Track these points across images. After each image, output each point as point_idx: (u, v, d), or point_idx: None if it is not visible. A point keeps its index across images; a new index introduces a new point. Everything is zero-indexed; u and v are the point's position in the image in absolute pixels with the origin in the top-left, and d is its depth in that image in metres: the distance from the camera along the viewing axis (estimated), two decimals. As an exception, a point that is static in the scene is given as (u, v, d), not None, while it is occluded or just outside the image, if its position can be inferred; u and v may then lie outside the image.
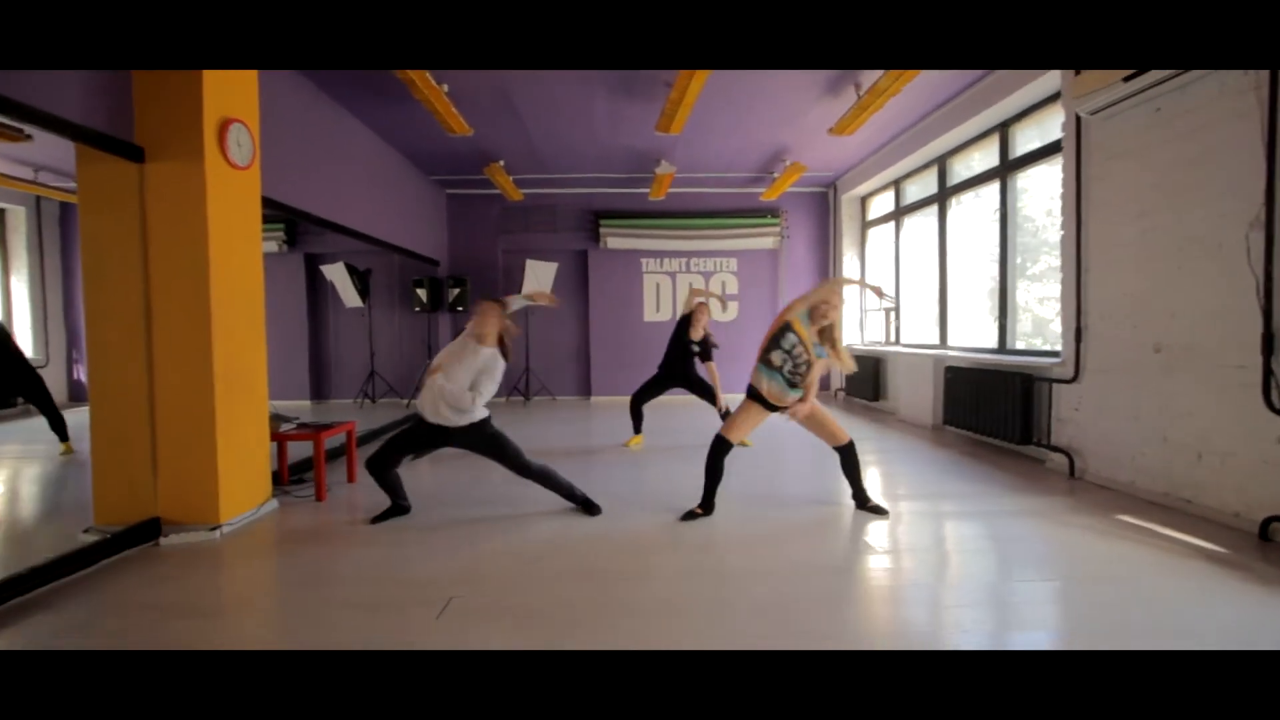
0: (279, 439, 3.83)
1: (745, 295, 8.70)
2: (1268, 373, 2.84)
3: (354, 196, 5.64)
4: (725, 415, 5.14)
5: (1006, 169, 5.17)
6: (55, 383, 7.48)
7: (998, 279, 5.30)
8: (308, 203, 4.70)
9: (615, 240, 8.47)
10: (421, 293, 7.98)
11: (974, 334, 5.99)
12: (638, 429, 5.35)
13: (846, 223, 8.32)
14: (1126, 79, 3.40)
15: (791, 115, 5.73)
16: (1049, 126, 4.75)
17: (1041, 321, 5.26)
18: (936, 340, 6.43)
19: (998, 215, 5.27)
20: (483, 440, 3.30)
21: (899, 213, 7.25)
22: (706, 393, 5.17)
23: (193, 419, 3.13)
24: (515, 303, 3.53)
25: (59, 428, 5.14)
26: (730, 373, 6.92)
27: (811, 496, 3.74)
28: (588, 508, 3.40)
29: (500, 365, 3.23)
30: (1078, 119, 3.96)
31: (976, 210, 5.98)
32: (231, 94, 3.28)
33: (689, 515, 3.30)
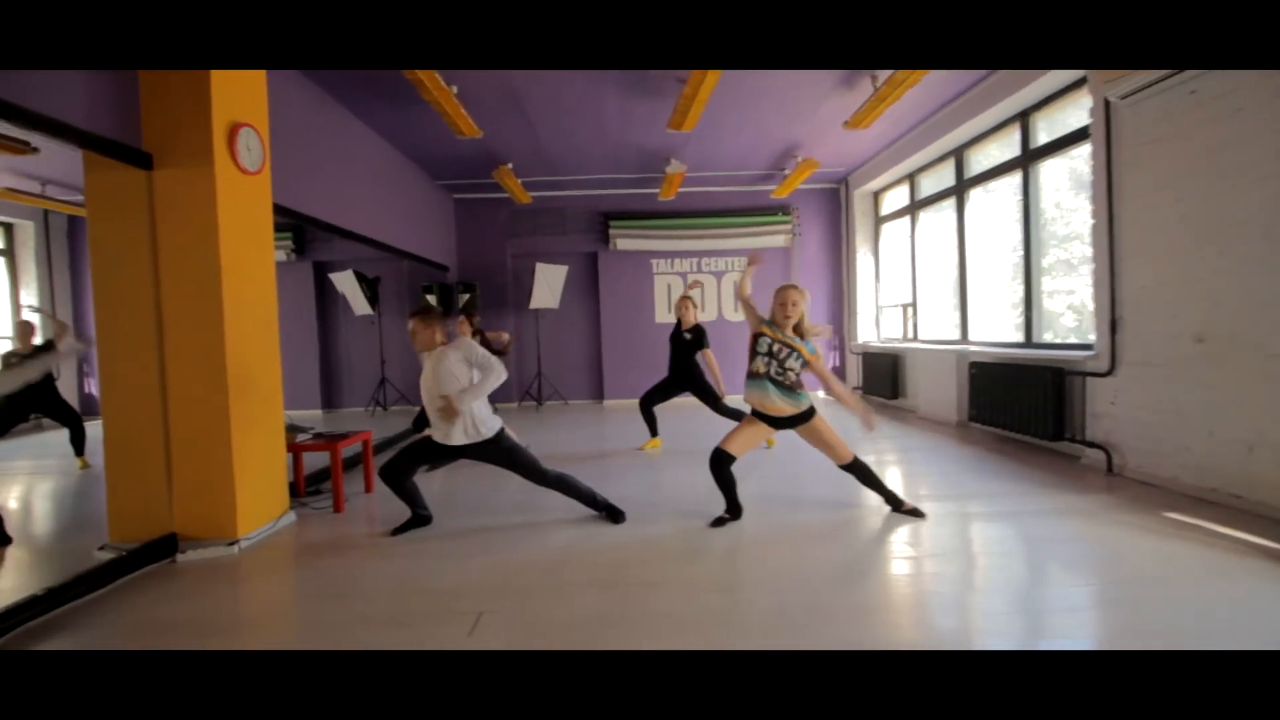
0: (294, 450, 3.75)
1: (758, 294, 8.52)
2: (1324, 361, 2.72)
3: (363, 202, 5.57)
4: (718, 402, 5.03)
5: (1029, 158, 5.05)
6: (67, 396, 7.43)
7: (1022, 271, 5.17)
8: (317, 209, 4.62)
9: (625, 241, 8.38)
10: (431, 298, 7.90)
11: (996, 328, 5.86)
12: (654, 432, 5.25)
13: (859, 218, 8.20)
14: (1161, 60, 3.28)
15: (805, 110, 5.63)
16: (1072, 114, 4.63)
17: (1050, 315, 5.15)
18: (957, 335, 6.30)
19: (1020, 206, 5.14)
20: (498, 454, 3.22)
21: (914, 207, 7.13)
22: (711, 398, 5.04)
23: (208, 431, 3.05)
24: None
25: (78, 442, 5.09)
26: (741, 372, 6.78)
27: (838, 498, 3.63)
28: (612, 515, 3.30)
29: (466, 344, 3.15)
30: (1107, 104, 3.84)
31: (995, 202, 5.86)
32: (240, 98, 3.21)
33: (718, 521, 3.20)
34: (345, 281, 7.77)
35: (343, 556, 2.97)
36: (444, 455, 3.24)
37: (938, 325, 6.95)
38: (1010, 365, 4.85)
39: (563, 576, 2.60)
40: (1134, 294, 3.75)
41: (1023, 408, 4.64)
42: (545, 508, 3.56)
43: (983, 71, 4.99)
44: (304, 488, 4.01)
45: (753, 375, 3.18)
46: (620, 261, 8.52)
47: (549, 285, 8.01)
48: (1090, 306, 5.09)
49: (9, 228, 7.52)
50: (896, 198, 7.68)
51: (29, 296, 7.59)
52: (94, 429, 6.04)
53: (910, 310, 7.32)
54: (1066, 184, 5.06)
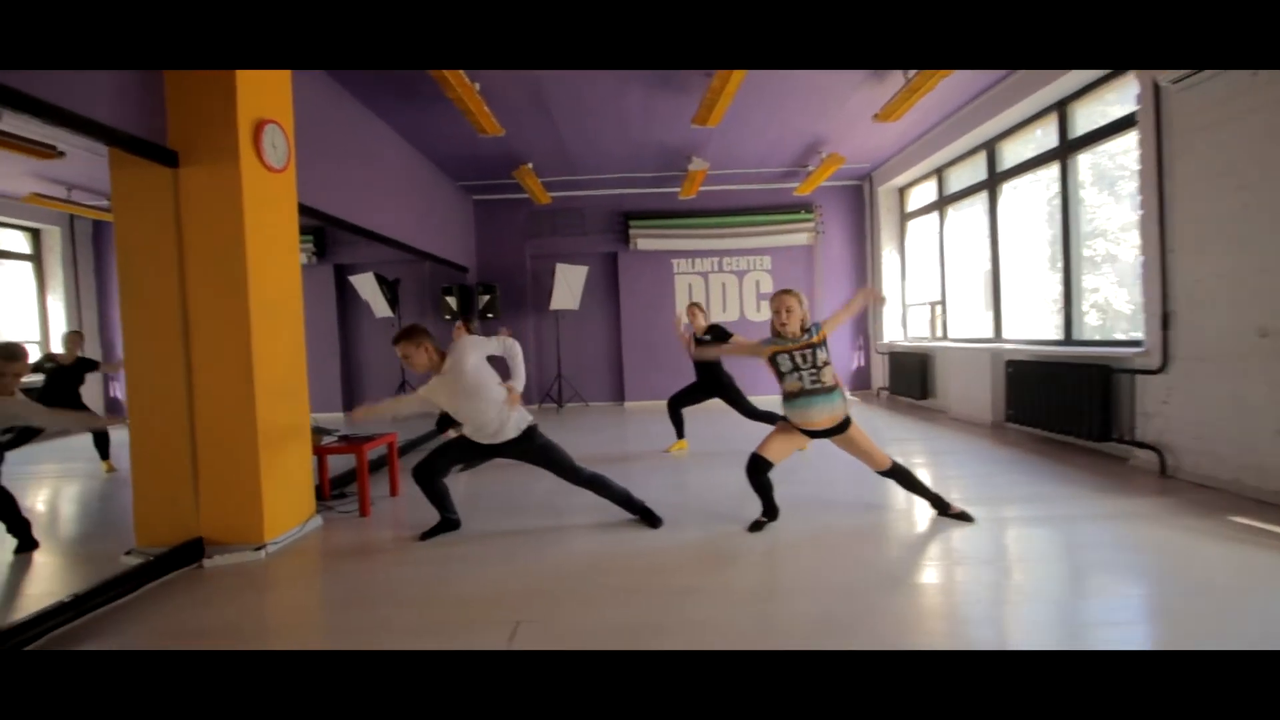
0: (320, 452, 3.69)
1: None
2: None
3: (386, 203, 5.53)
4: (747, 406, 4.91)
5: (1067, 149, 4.88)
6: (92, 401, 7.48)
7: (1060, 266, 5.00)
8: (341, 209, 4.58)
9: (645, 241, 8.28)
10: (451, 300, 7.86)
11: (1032, 326, 5.68)
12: (680, 434, 5.14)
13: (884, 215, 8.04)
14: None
15: (832, 103, 5.50)
16: (1114, 103, 4.47)
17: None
18: (990, 333, 6.12)
19: (1059, 198, 4.98)
20: (533, 450, 3.13)
21: (942, 202, 6.97)
22: (740, 403, 4.92)
23: (234, 434, 2.99)
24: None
25: (102, 445, 5.08)
26: (762, 375, 6.64)
27: (873, 501, 3.50)
28: (648, 519, 3.19)
29: (471, 342, 3.05)
30: (1156, 89, 3.68)
31: (1029, 196, 5.69)
32: (265, 94, 3.15)
33: (756, 525, 3.08)
34: (365, 284, 7.75)
35: (371, 562, 2.89)
36: (479, 454, 3.16)
37: (968, 323, 6.77)
38: (1051, 363, 4.68)
39: (598, 583, 2.50)
40: (1188, 287, 3.58)
41: (1065, 407, 4.47)
42: (573, 510, 3.46)
43: (1019, 60, 4.83)
44: (329, 491, 3.95)
45: (790, 396, 3.05)
46: (640, 261, 8.42)
47: (569, 286, 7.94)
48: (1115, 305, 4.93)
49: (36, 233, 7.60)
50: (923, 193, 7.51)
51: (56, 301, 7.66)
52: (117, 433, 6.05)
53: (939, 308, 7.14)
54: (1089, 180, 4.91)
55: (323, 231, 8.08)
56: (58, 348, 5.66)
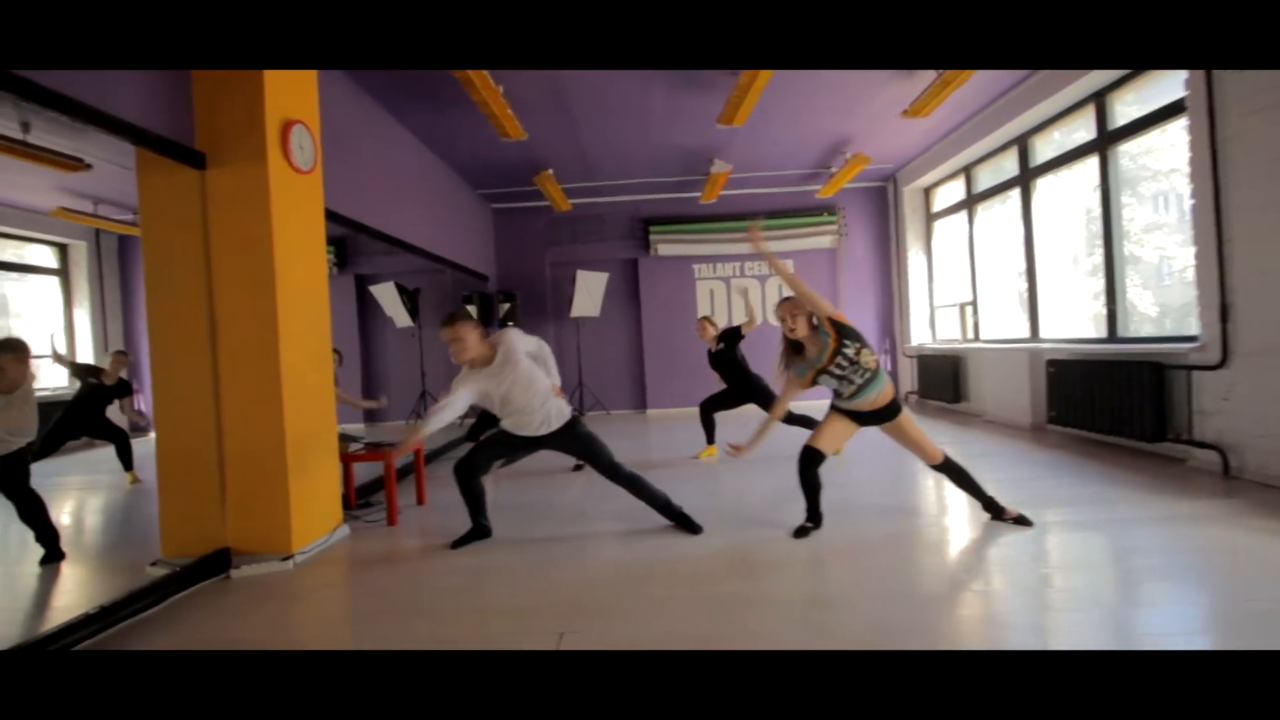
0: (346, 460, 3.61)
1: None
2: None
3: (407, 210, 5.50)
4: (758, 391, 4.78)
5: (1106, 141, 4.73)
6: (117, 414, 7.51)
7: (1103, 262, 4.82)
8: (364, 215, 4.53)
9: (666, 247, 8.20)
10: (472, 309, 7.81)
11: (1071, 324, 5.50)
12: (710, 439, 5.01)
13: (909, 216, 7.89)
14: None
15: (860, 99, 5.38)
16: (1152, 90, 4.31)
17: (1100, 318, 4.84)
18: (1026, 333, 5.94)
19: (1099, 192, 4.81)
20: (575, 440, 3.04)
21: (971, 201, 6.81)
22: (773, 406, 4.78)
23: (262, 440, 2.92)
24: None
25: (125, 456, 5.06)
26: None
27: (906, 505, 3.37)
28: (687, 525, 3.07)
29: (516, 337, 2.97)
30: (1208, 72, 3.53)
31: (1065, 191, 5.53)
32: (292, 94, 3.11)
33: (800, 531, 2.94)
34: (386, 294, 7.73)
35: (402, 572, 2.79)
36: (521, 447, 3.07)
37: (1001, 324, 6.58)
38: (1096, 362, 4.49)
39: (641, 592, 2.37)
40: (1247, 278, 3.41)
41: (1114, 407, 4.28)
42: (605, 517, 3.35)
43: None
44: (355, 500, 3.87)
45: (839, 397, 2.93)
46: (661, 267, 8.33)
47: (589, 293, 7.86)
48: (1141, 307, 4.76)
49: (63, 248, 7.68)
50: (950, 193, 7.36)
51: (82, 315, 7.72)
52: (141, 445, 6.04)
53: (970, 309, 6.96)
54: (1094, 190, 4.77)
55: (344, 241, 8.08)
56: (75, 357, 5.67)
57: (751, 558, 2.69)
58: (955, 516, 3.14)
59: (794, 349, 2.94)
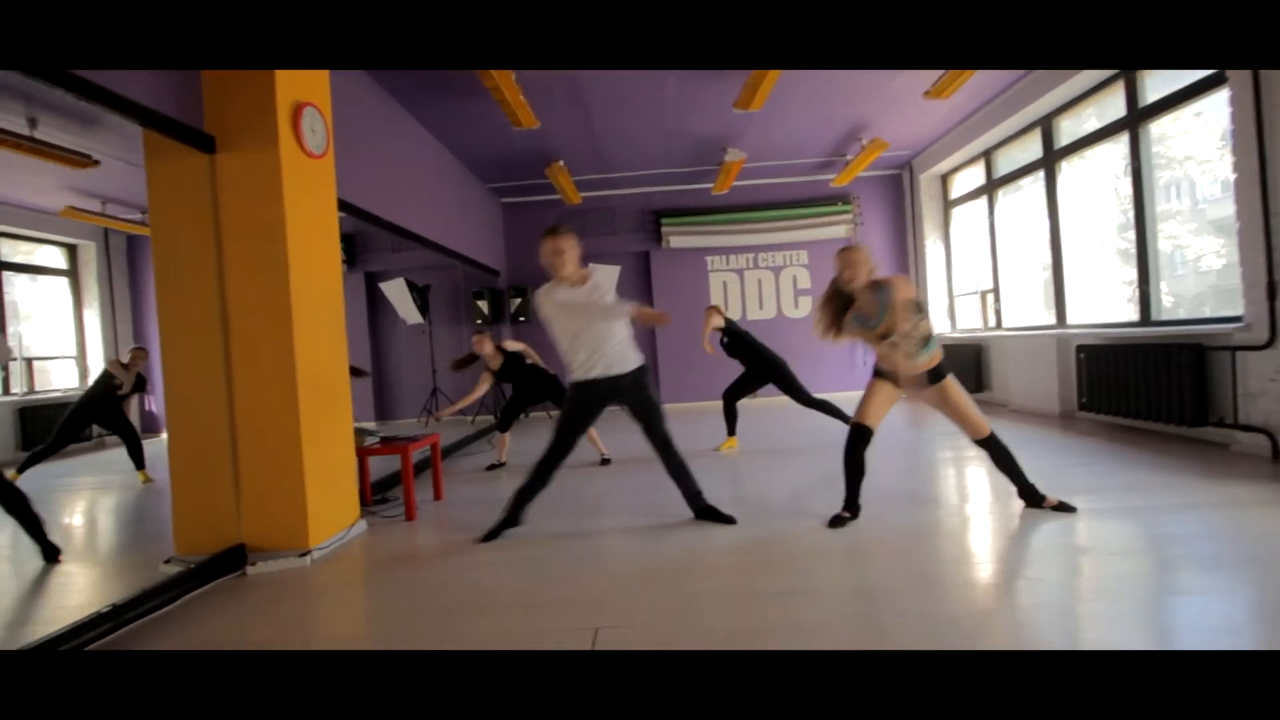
0: (362, 454, 3.52)
1: (819, 288, 8.13)
2: None
3: (419, 203, 5.40)
4: (803, 393, 4.68)
5: (1137, 118, 4.57)
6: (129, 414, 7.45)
7: (1135, 243, 4.67)
8: (376, 207, 4.44)
9: (678, 239, 8.08)
10: (483, 304, 7.74)
11: (1101, 309, 5.35)
12: (731, 431, 4.90)
13: (926, 204, 7.74)
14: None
15: (880, 79, 5.24)
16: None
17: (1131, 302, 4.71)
18: (1052, 319, 5.78)
19: (1129, 171, 4.66)
20: (643, 396, 2.93)
21: (991, 186, 6.66)
22: (795, 389, 4.70)
23: (277, 435, 2.82)
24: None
25: (137, 455, 4.99)
26: (812, 373, 6.33)
27: (927, 495, 3.25)
28: (717, 518, 2.95)
29: (603, 273, 2.87)
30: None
31: (1092, 173, 5.38)
32: (303, 75, 3.01)
33: (836, 521, 2.82)
34: (395, 290, 7.65)
35: (423, 567, 2.69)
36: (595, 405, 2.94)
37: (1024, 311, 6.43)
38: (1130, 346, 4.35)
39: (684, 586, 2.26)
40: (1297, 253, 3.26)
41: (1151, 392, 4.14)
42: (631, 512, 3.25)
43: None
44: (370, 496, 3.77)
45: (883, 364, 2.81)
46: (673, 260, 8.21)
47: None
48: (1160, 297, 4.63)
49: (72, 249, 7.63)
50: (969, 179, 7.21)
51: (92, 315, 7.68)
52: (155, 446, 5.98)
53: (992, 297, 6.81)
54: (1121, 171, 4.63)
55: (352, 239, 8.01)
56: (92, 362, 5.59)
57: (790, 549, 2.57)
58: (981, 504, 3.01)
59: (842, 300, 2.82)
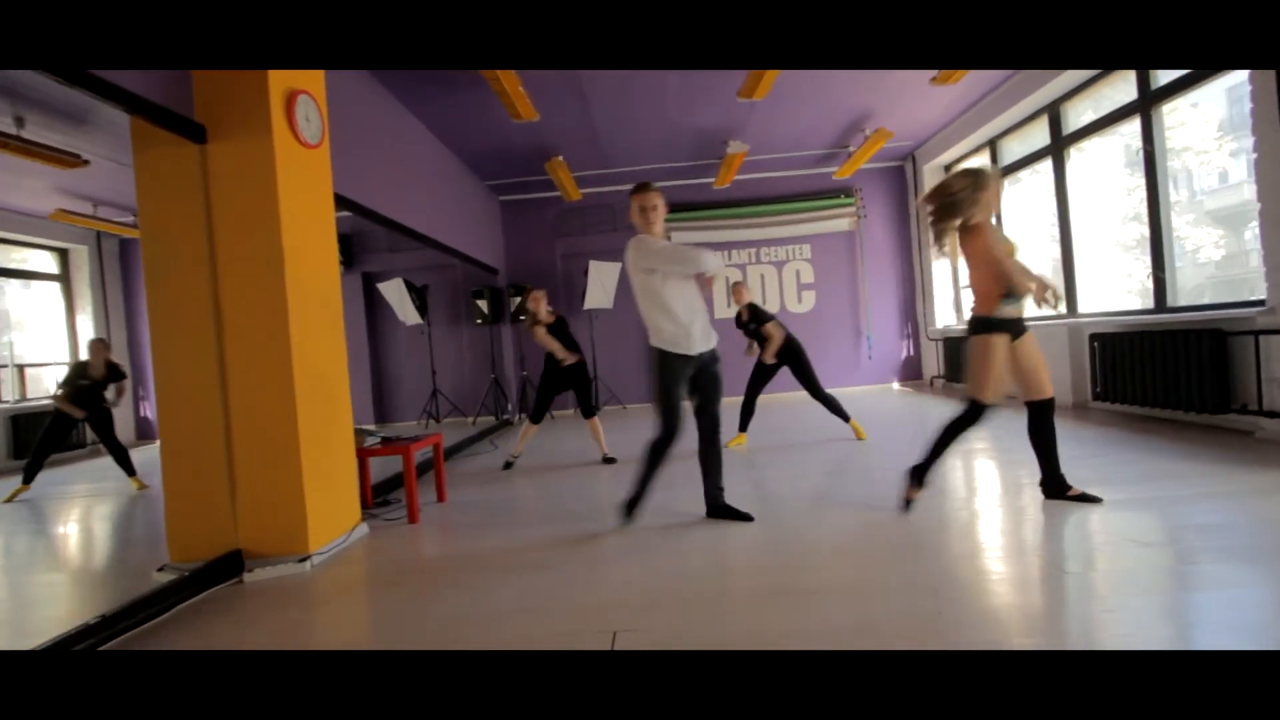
0: (363, 455, 3.41)
1: (822, 282, 8.08)
2: None
3: (417, 199, 5.29)
4: (818, 386, 4.59)
5: (1149, 101, 4.48)
6: (123, 421, 7.34)
7: (1148, 228, 4.58)
8: (374, 202, 4.33)
9: (679, 235, 7.97)
10: (482, 304, 7.63)
11: (1112, 297, 5.26)
12: (743, 427, 4.81)
13: (930, 195, 7.63)
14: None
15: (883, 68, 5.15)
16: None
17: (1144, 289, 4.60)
18: (1064, 309, 5.68)
19: (1142, 155, 4.57)
20: (716, 377, 2.83)
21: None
22: (812, 376, 4.61)
23: (274, 435, 2.71)
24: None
25: (124, 462, 4.88)
26: (818, 368, 6.22)
27: (950, 485, 3.12)
28: (735, 516, 2.85)
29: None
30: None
31: (1098, 160, 5.29)
32: (296, 64, 2.90)
33: (908, 500, 2.73)
34: (393, 291, 7.54)
35: (429, 572, 2.58)
36: (684, 379, 2.79)
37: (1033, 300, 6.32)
38: (1146, 334, 4.25)
39: (702, 586, 2.15)
40: (1323, 233, 3.17)
41: (1169, 380, 4.05)
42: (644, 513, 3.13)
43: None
44: (371, 498, 3.66)
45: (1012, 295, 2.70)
46: (675, 256, 8.10)
47: (603, 285, 7.64)
48: (1150, 286, 4.54)
49: (64, 253, 7.51)
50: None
51: (85, 320, 7.55)
52: (149, 452, 5.85)
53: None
54: (1122, 162, 4.55)
55: (350, 239, 7.91)
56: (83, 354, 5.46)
57: (809, 545, 2.47)
58: (994, 498, 2.91)
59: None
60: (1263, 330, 3.49)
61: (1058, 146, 5.54)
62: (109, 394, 4.91)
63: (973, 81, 5.49)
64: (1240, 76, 3.95)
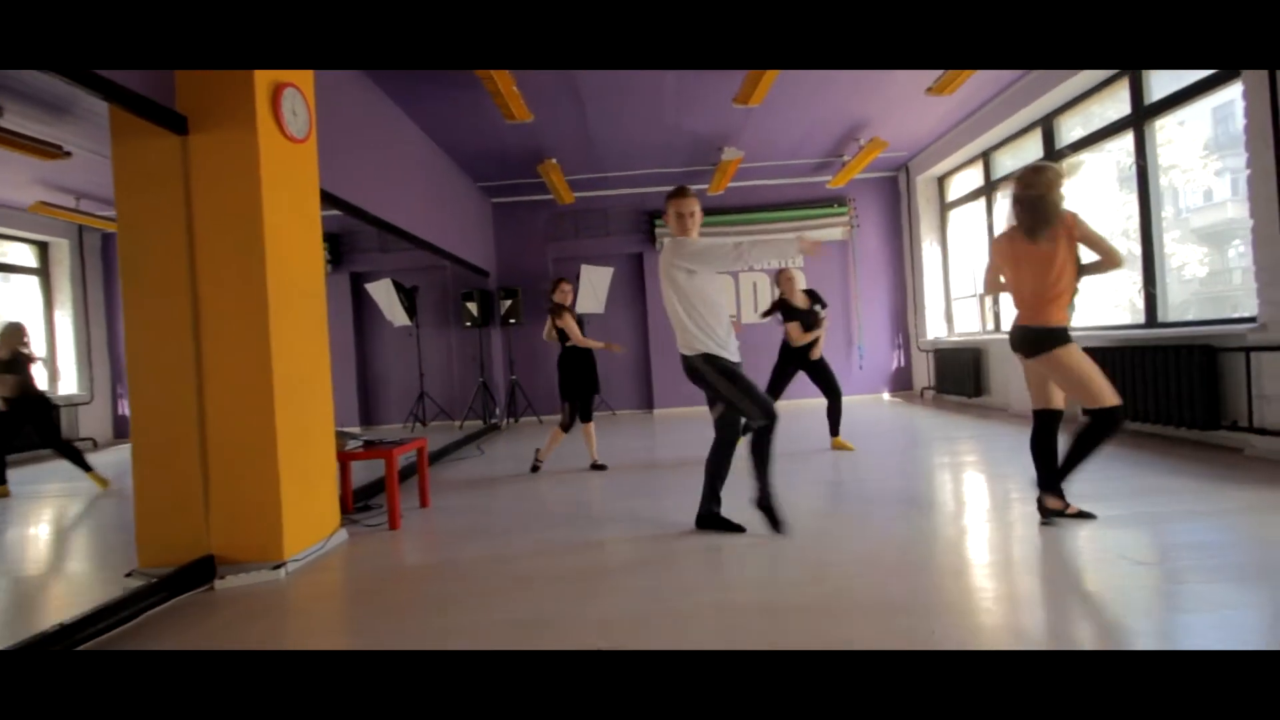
0: (344, 459, 3.32)
1: (820, 285, 8.05)
2: None
3: (407, 198, 5.22)
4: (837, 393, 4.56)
5: (1142, 116, 4.50)
6: (100, 419, 7.18)
7: (1140, 243, 4.59)
8: (363, 201, 4.25)
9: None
10: (472, 306, 7.54)
11: (1101, 311, 5.27)
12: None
13: (923, 206, 7.66)
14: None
15: (880, 76, 5.14)
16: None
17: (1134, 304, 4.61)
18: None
19: (1134, 169, 4.58)
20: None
21: (990, 188, 6.58)
22: (833, 380, 4.57)
23: (250, 436, 2.63)
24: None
25: (76, 459, 4.73)
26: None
27: (919, 497, 3.08)
28: (726, 527, 2.79)
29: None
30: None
31: (1094, 172, 5.31)
32: (283, 57, 2.83)
33: (1050, 514, 2.63)
34: (382, 291, 7.44)
35: (409, 580, 2.50)
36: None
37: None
38: (1135, 349, 4.25)
39: (700, 598, 2.09)
40: (1314, 251, 3.17)
41: (1159, 395, 4.04)
42: (630, 519, 3.07)
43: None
44: (352, 503, 3.57)
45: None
46: (667, 262, 8.06)
47: (594, 289, 7.59)
48: (1139, 304, 4.56)
49: (44, 247, 7.35)
50: (966, 180, 7.14)
51: (64, 317, 7.39)
52: (115, 454, 5.71)
53: (991, 300, 6.73)
54: (1111, 177, 4.59)
55: (338, 238, 7.80)
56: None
57: (817, 559, 2.41)
58: (980, 511, 2.87)
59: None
60: (1254, 347, 3.49)
61: (1051, 160, 5.56)
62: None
63: (968, 92, 5.51)
64: (1226, 96, 3.97)
